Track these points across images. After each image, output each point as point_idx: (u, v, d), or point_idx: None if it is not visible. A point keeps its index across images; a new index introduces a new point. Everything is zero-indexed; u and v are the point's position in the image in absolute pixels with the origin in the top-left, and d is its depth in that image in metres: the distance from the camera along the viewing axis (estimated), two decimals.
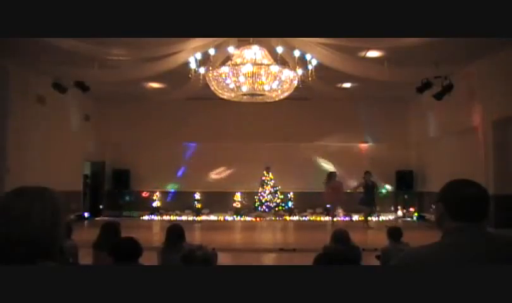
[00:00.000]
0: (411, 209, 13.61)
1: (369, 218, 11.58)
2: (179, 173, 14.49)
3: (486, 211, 1.61)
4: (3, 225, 1.26)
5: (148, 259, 3.81)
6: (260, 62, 7.36)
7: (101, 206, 14.01)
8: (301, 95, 10.22)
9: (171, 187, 14.48)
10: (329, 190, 11.94)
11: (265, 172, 13.92)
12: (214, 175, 14.46)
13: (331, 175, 12.34)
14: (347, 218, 12.94)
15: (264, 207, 13.69)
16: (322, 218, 13.28)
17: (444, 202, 1.63)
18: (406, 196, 13.78)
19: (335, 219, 12.16)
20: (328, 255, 3.20)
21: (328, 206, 12.61)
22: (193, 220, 13.01)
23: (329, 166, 14.14)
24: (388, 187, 14.10)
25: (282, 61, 7.56)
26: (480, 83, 9.57)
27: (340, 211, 13.58)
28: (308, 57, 7.60)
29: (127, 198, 14.16)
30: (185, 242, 4.50)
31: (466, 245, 1.52)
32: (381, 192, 13.84)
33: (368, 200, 11.46)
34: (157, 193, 14.16)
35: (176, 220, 12.47)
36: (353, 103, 13.51)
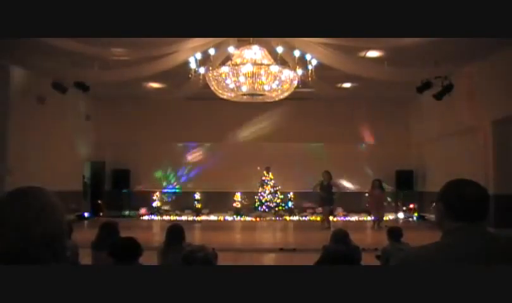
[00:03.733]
0: (411, 209, 13.60)
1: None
2: (184, 178, 14.48)
3: (486, 211, 1.61)
4: (3, 226, 1.26)
5: (148, 259, 3.81)
6: (260, 62, 7.35)
7: (101, 206, 14.01)
8: (301, 95, 10.22)
9: (174, 184, 14.47)
10: (372, 198, 11.55)
11: (265, 172, 13.92)
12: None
13: (374, 183, 11.66)
14: (346, 218, 12.95)
15: (264, 207, 13.69)
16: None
17: (444, 202, 1.63)
18: (406, 196, 13.76)
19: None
20: (328, 256, 3.20)
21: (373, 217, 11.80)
22: (193, 220, 13.01)
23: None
24: (388, 186, 14.09)
25: (282, 61, 7.56)
26: (480, 83, 9.57)
27: (340, 210, 13.58)
28: (308, 57, 7.60)
29: (127, 198, 14.15)
30: (185, 242, 4.50)
31: (466, 245, 1.52)
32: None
33: (327, 199, 11.03)
34: (157, 193, 14.16)
35: (176, 220, 12.47)
36: (353, 103, 13.51)
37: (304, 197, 13.92)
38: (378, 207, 11.62)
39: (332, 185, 11.07)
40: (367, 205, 12.55)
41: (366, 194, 12.60)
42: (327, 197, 10.93)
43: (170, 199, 14.42)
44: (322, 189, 11.01)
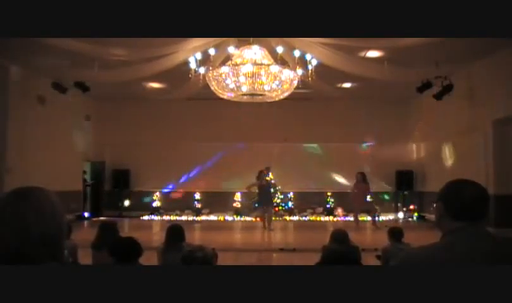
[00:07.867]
0: (411, 209, 13.60)
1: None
2: (184, 177, 14.47)
3: (486, 211, 1.60)
4: (2, 226, 1.26)
5: (148, 259, 3.81)
6: (260, 62, 7.35)
7: (101, 206, 14.00)
8: (301, 95, 10.22)
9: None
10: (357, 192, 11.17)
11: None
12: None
13: (358, 176, 11.22)
14: (347, 218, 12.95)
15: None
16: (322, 218, 13.28)
17: (444, 202, 1.63)
18: (406, 196, 13.76)
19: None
20: (328, 256, 3.20)
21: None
22: (193, 220, 13.01)
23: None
24: (387, 187, 14.09)
25: (282, 61, 7.56)
26: (480, 83, 9.57)
27: (340, 210, 13.57)
28: (308, 57, 7.60)
29: (127, 198, 14.14)
30: (185, 242, 4.50)
31: (466, 245, 1.52)
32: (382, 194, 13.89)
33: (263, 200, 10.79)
34: (157, 193, 14.16)
35: (176, 220, 12.46)
36: (353, 103, 13.50)
37: (305, 198, 13.93)
38: (365, 201, 11.23)
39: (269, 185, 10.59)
40: (351, 200, 11.59)
41: (349, 190, 12.05)
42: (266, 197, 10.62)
43: (170, 199, 14.41)
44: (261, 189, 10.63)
